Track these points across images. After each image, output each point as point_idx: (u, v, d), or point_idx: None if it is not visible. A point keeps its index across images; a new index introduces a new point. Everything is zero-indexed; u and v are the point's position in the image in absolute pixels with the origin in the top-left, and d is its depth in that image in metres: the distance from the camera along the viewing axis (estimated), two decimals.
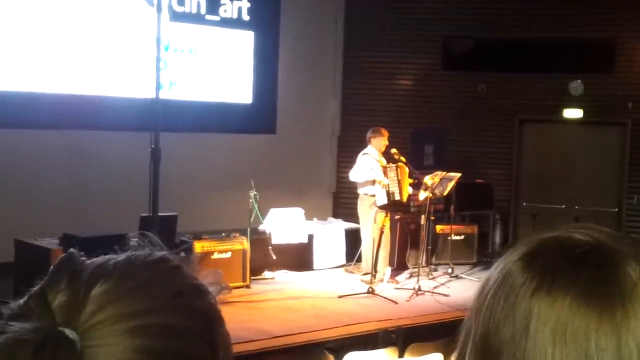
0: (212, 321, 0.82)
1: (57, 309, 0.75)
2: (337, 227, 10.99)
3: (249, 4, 11.43)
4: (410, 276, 9.85)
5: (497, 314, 0.83)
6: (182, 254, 0.88)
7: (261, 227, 9.87)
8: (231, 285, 8.96)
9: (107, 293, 0.77)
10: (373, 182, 9.25)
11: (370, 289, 8.82)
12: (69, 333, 0.73)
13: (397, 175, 9.08)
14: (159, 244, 0.88)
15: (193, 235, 9.00)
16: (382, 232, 9.26)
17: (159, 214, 7.01)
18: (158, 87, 7.14)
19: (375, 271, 9.15)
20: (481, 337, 0.84)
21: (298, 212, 10.27)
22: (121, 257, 0.84)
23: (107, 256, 0.84)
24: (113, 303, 0.76)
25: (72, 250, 0.81)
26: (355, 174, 9.51)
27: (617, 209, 12.14)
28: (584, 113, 12.17)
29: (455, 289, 9.12)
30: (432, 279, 9.68)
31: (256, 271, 9.54)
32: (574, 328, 0.79)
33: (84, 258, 0.81)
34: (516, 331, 0.81)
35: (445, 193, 9.73)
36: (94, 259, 0.82)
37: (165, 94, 9.36)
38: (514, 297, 0.82)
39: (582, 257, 0.83)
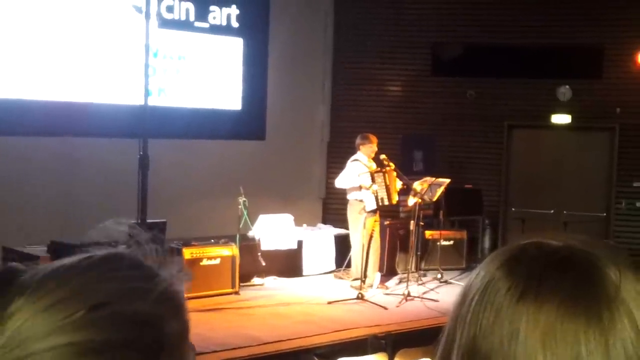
0: (149, 324, 0.78)
1: None
2: (327, 233, 11.00)
3: (238, 11, 11.43)
4: (400, 282, 9.85)
5: (484, 321, 0.83)
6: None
7: (250, 234, 9.87)
8: (220, 291, 8.96)
9: (24, 312, 0.74)
10: (360, 188, 9.26)
11: (359, 295, 8.83)
12: None
13: (385, 181, 9.09)
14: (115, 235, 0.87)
15: (182, 242, 8.99)
16: (371, 238, 9.27)
17: (148, 220, 7.00)
18: (147, 93, 7.13)
19: (365, 277, 9.15)
20: (467, 345, 0.84)
21: (287, 218, 10.28)
22: (57, 263, 0.81)
23: (50, 264, 0.81)
24: (29, 323, 0.74)
25: (9, 264, 0.79)
26: (340, 181, 9.52)
27: (605, 214, 12.18)
28: (572, 118, 12.21)
29: (445, 294, 9.13)
30: (422, 284, 9.69)
31: (245, 277, 9.53)
32: (563, 332, 0.79)
33: (17, 269, 0.79)
34: (504, 337, 0.81)
35: (435, 199, 9.75)
36: (33, 269, 0.79)
37: (154, 101, 9.35)
38: (499, 304, 0.83)
39: (565, 262, 0.84)
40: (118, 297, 0.77)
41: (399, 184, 9.37)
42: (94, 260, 0.81)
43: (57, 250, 7.62)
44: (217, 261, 8.99)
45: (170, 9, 10.69)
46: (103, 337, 0.74)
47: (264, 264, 9.77)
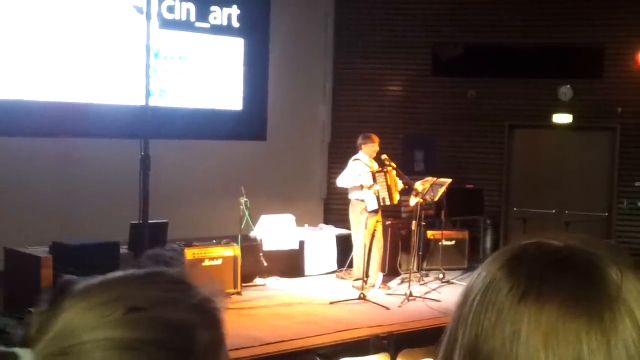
0: (181, 330, 0.87)
1: (32, 329, 0.86)
2: (328, 233, 11.00)
3: (238, 11, 11.43)
4: (402, 282, 9.85)
5: (485, 321, 0.83)
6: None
7: (252, 234, 9.87)
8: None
9: (72, 310, 0.85)
10: (361, 187, 9.26)
11: (361, 295, 8.82)
12: (21, 352, 0.83)
13: (386, 181, 9.09)
14: (164, 259, 0.96)
15: (184, 242, 8.98)
16: (373, 238, 9.26)
17: (150, 221, 6.99)
18: (148, 94, 7.13)
19: (367, 277, 9.15)
20: (469, 346, 0.84)
21: (289, 218, 10.27)
22: (107, 275, 0.91)
23: (97, 277, 0.90)
24: (76, 319, 0.84)
25: (65, 277, 0.90)
26: (341, 180, 9.52)
27: (607, 214, 12.18)
28: (574, 118, 12.21)
29: (447, 294, 9.12)
30: (424, 284, 9.69)
31: (247, 278, 9.53)
32: (565, 331, 0.80)
33: (71, 280, 0.89)
34: (506, 338, 0.81)
35: (436, 199, 9.74)
36: (83, 280, 0.89)
37: (155, 101, 9.35)
38: (501, 304, 0.83)
39: (565, 262, 0.84)
40: (154, 303, 0.87)
41: (400, 184, 9.37)
42: (138, 273, 0.91)
43: (58, 251, 7.61)
44: (219, 262, 8.99)
45: (170, 9, 10.69)
46: (136, 335, 0.84)
47: (265, 264, 9.78)
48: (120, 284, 0.89)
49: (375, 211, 9.22)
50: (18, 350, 0.82)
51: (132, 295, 0.87)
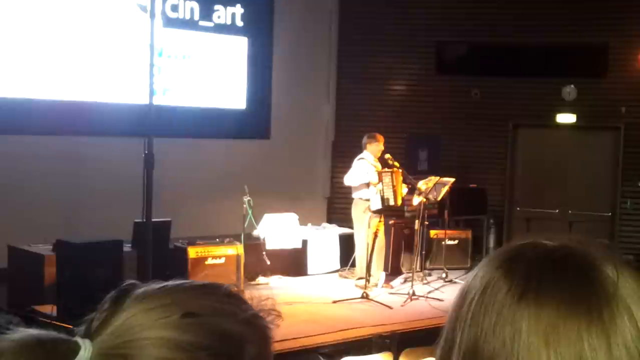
0: (231, 340, 0.91)
1: (93, 324, 0.91)
2: (331, 232, 11.00)
3: (242, 10, 11.43)
4: (405, 281, 9.85)
5: (485, 322, 0.84)
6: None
7: (255, 233, 9.88)
8: None
9: (131, 310, 0.91)
10: (368, 185, 9.25)
11: (364, 294, 8.83)
12: (82, 342, 0.87)
13: (392, 181, 9.08)
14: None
15: (187, 241, 9.00)
16: (376, 237, 9.26)
17: (153, 219, 7.00)
18: (152, 93, 7.13)
19: (370, 276, 9.15)
20: (468, 347, 0.85)
21: (292, 217, 10.28)
22: (167, 282, 0.96)
23: (158, 282, 0.96)
24: (134, 318, 0.89)
25: (129, 281, 0.96)
26: (350, 178, 9.52)
27: (610, 214, 12.16)
28: (577, 118, 12.20)
29: (450, 293, 9.11)
30: (427, 283, 9.70)
31: (250, 276, 9.54)
32: (565, 330, 0.80)
33: (135, 284, 0.95)
34: (507, 338, 0.82)
35: (439, 198, 9.75)
36: (146, 285, 0.96)
37: (159, 100, 9.35)
38: (500, 304, 0.83)
39: (562, 261, 0.85)
40: (208, 311, 0.92)
41: (404, 190, 9.35)
42: (196, 284, 0.98)
43: (62, 249, 7.63)
44: (222, 260, 9.00)
45: (174, 8, 10.69)
46: (189, 338, 0.88)
47: (268, 263, 9.78)
48: (179, 291, 0.94)
49: (378, 211, 9.22)
50: (79, 340, 0.87)
51: (189, 302, 0.92)
